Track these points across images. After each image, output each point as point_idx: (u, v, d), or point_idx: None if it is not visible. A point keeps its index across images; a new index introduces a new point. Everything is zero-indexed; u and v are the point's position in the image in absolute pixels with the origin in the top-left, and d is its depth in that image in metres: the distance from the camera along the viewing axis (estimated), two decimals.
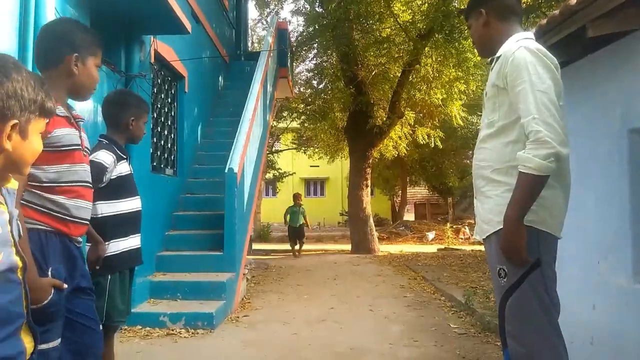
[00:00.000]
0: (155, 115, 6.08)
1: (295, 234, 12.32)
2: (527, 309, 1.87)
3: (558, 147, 1.75)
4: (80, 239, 1.99)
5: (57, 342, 1.80)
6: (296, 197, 12.72)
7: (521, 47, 1.89)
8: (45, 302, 1.69)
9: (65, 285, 1.80)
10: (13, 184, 1.35)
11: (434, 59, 11.58)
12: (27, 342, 1.32)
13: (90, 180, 2.01)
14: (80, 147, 1.94)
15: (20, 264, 1.30)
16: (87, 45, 1.95)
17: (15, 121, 1.21)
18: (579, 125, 2.95)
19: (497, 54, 2.01)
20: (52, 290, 1.73)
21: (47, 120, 1.37)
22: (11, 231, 1.29)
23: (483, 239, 2.04)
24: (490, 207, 1.96)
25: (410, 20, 11.47)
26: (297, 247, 12.26)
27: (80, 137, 1.96)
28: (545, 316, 1.86)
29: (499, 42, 2.05)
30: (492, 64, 2.06)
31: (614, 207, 2.71)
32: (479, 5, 2.11)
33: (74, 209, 1.90)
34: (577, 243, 2.95)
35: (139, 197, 2.76)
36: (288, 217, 12.41)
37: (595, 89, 2.93)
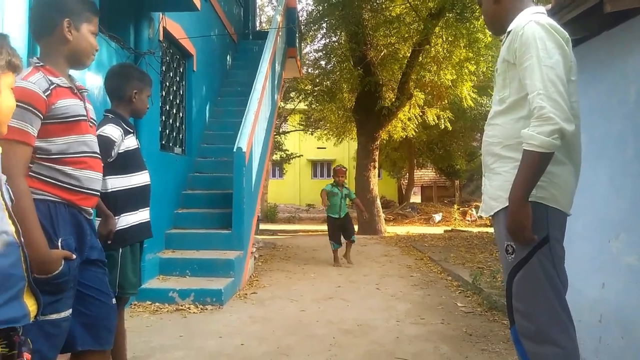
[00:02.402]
0: (163, 94, 6.07)
1: (338, 228, 7.63)
2: (535, 285, 1.87)
3: (562, 123, 1.73)
4: (90, 211, 1.99)
5: (67, 313, 1.81)
6: (337, 172, 7.80)
7: (531, 21, 1.86)
8: (56, 272, 1.70)
9: (75, 256, 1.81)
10: None
11: (444, 39, 11.45)
12: (30, 305, 1.34)
13: (98, 151, 2.00)
14: (86, 117, 1.93)
15: (13, 227, 1.30)
16: (78, 11, 1.92)
17: None
18: (593, 103, 2.92)
19: (508, 29, 1.98)
20: (63, 262, 1.74)
21: (16, 75, 1.39)
22: (2, 196, 1.29)
23: (491, 216, 2.03)
24: (499, 184, 1.95)
25: None
26: (341, 248, 7.69)
27: (85, 107, 1.95)
28: (553, 293, 1.86)
29: (510, 18, 2.01)
30: (503, 40, 2.03)
31: (627, 186, 2.69)
32: None
33: (84, 179, 1.90)
34: (588, 221, 2.94)
35: (147, 171, 2.77)
36: (327, 203, 7.71)
37: (610, 67, 2.89)
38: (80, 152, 1.89)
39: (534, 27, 1.83)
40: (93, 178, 1.94)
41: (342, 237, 7.65)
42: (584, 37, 2.98)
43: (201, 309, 4.72)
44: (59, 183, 1.84)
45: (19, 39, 2.97)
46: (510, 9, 2.02)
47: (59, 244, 1.80)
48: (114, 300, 2.09)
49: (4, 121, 1.36)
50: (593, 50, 3.00)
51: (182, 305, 4.76)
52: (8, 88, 1.34)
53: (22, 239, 1.33)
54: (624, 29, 2.73)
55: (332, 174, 8.21)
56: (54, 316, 1.75)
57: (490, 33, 10.65)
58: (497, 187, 1.97)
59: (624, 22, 2.69)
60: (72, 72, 2.01)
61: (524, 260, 1.87)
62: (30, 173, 1.79)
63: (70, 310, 1.83)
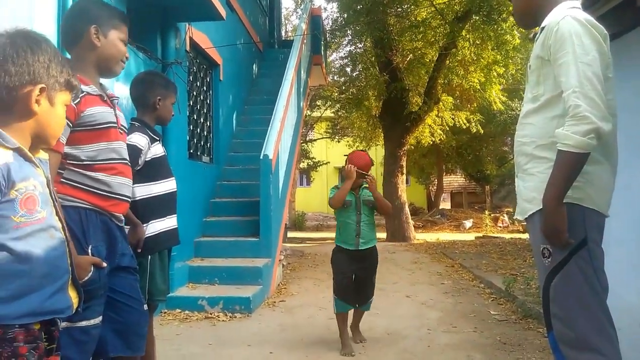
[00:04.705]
0: (191, 103, 6.15)
1: (348, 273, 3.73)
2: (573, 289, 1.78)
3: (599, 122, 1.66)
4: (122, 217, 2.00)
5: (97, 320, 1.82)
6: (353, 158, 3.71)
7: (567, 16, 1.79)
8: (85, 278, 1.71)
9: (105, 264, 1.82)
10: (44, 155, 1.43)
11: (471, 42, 11.28)
12: (73, 297, 1.41)
13: (127, 157, 2.02)
14: (115, 124, 1.95)
15: (60, 223, 1.38)
16: (106, 18, 1.95)
17: (43, 85, 1.31)
18: (628, 100, 2.81)
19: (542, 25, 1.91)
20: (92, 269, 1.75)
21: (72, 95, 1.46)
22: (50, 193, 1.36)
23: (525, 218, 1.96)
24: (533, 185, 1.88)
25: (447, 3, 11.21)
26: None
27: (116, 115, 1.97)
28: (593, 297, 1.78)
29: (543, 11, 1.94)
30: (537, 36, 1.96)
31: None
32: None
33: (115, 185, 1.91)
34: (625, 222, 2.82)
35: (173, 178, 2.78)
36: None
37: None
38: (109, 159, 1.91)
39: (570, 22, 1.77)
40: (123, 184, 1.96)
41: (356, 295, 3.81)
42: (617, 32, 2.88)
43: (230, 317, 4.72)
44: (90, 189, 1.85)
45: (49, 33, 3.04)
46: (543, 2, 1.95)
47: (89, 250, 1.81)
48: (145, 307, 2.10)
49: (56, 135, 1.43)
50: (627, 46, 2.90)
51: (211, 314, 4.77)
52: (62, 104, 1.41)
53: (67, 235, 1.41)
54: None
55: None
56: (83, 323, 1.76)
57: (518, 35, 10.49)
58: (531, 189, 1.90)
59: None
60: (104, 81, 2.03)
61: (561, 263, 1.79)
62: (62, 180, 1.81)
63: (100, 318, 1.83)
